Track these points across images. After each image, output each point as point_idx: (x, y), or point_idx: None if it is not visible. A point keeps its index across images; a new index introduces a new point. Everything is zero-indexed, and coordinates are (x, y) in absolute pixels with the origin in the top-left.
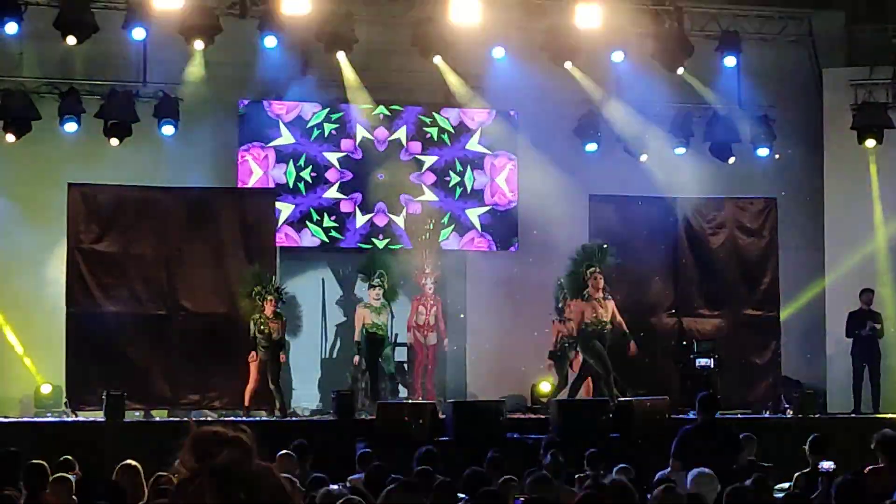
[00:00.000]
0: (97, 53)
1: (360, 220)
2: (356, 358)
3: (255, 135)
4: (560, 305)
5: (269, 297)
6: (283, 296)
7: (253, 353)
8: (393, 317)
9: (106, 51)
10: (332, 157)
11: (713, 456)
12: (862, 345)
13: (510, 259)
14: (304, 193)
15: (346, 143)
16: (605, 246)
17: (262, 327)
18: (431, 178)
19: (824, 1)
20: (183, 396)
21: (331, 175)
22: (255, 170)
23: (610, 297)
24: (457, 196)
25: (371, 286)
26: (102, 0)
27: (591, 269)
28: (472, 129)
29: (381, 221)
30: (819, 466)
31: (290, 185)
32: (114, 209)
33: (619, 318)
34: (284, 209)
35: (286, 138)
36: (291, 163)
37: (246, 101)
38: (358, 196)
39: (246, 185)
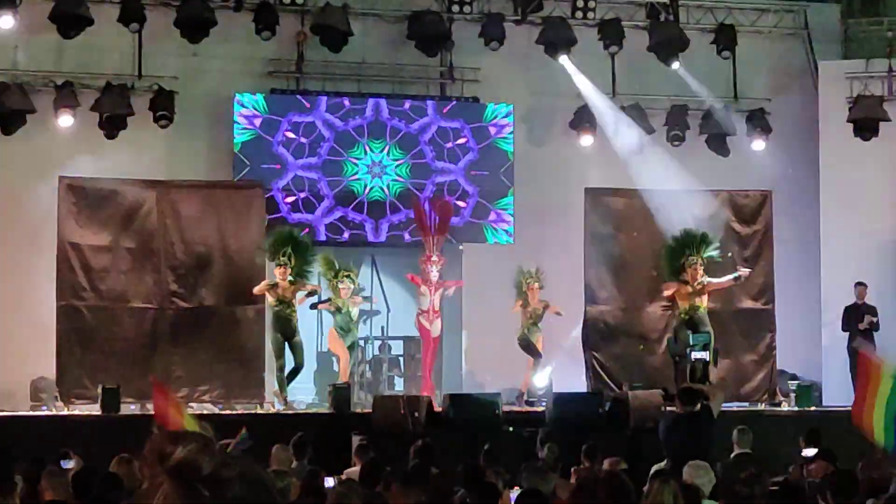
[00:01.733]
0: (92, 47)
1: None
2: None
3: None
4: (524, 290)
5: (341, 286)
6: (355, 280)
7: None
8: (390, 310)
9: (101, 44)
10: (337, 148)
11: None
12: (857, 338)
13: (506, 251)
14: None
15: (341, 136)
16: (706, 235)
17: (340, 310)
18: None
19: None
20: (176, 389)
21: (328, 167)
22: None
23: (703, 285)
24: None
25: (277, 264)
26: None
27: (692, 259)
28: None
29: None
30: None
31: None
32: (106, 202)
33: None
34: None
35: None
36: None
37: (242, 94)
38: (353, 188)
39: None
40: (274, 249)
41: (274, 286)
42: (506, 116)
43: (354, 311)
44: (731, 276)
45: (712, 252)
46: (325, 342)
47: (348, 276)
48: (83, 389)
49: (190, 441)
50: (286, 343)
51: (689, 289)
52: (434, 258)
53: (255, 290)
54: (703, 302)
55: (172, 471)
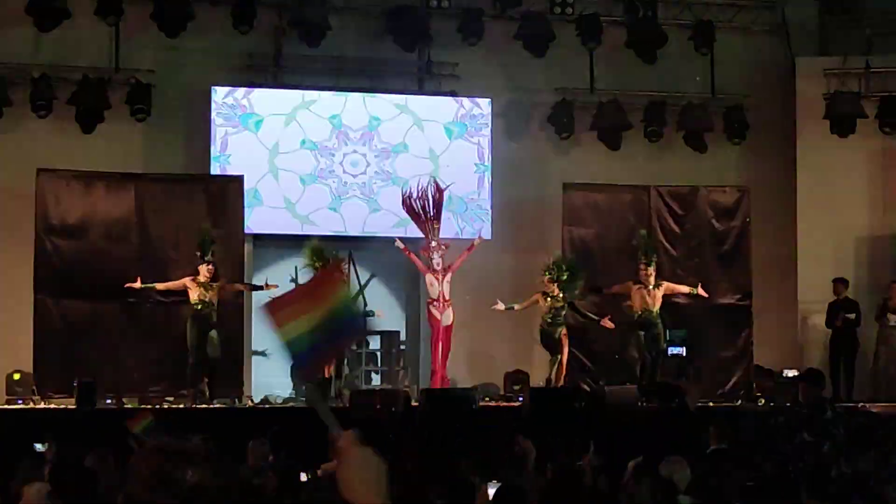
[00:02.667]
0: (69, 40)
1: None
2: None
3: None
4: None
5: None
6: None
7: None
8: (366, 305)
9: (78, 37)
10: (315, 142)
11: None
12: (837, 334)
13: (483, 246)
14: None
15: (320, 130)
16: (646, 235)
17: None
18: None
19: None
20: (153, 384)
21: (308, 162)
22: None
23: (658, 285)
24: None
25: (205, 262)
26: None
27: (645, 261)
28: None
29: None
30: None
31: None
32: (84, 195)
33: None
34: (267, 192)
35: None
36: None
37: (220, 88)
38: (331, 184)
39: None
40: (205, 247)
41: (198, 285)
42: (484, 111)
43: None
44: (687, 289)
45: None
46: None
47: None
48: (60, 384)
49: (197, 463)
50: (203, 336)
51: (644, 290)
52: (434, 244)
53: (169, 285)
54: (657, 304)
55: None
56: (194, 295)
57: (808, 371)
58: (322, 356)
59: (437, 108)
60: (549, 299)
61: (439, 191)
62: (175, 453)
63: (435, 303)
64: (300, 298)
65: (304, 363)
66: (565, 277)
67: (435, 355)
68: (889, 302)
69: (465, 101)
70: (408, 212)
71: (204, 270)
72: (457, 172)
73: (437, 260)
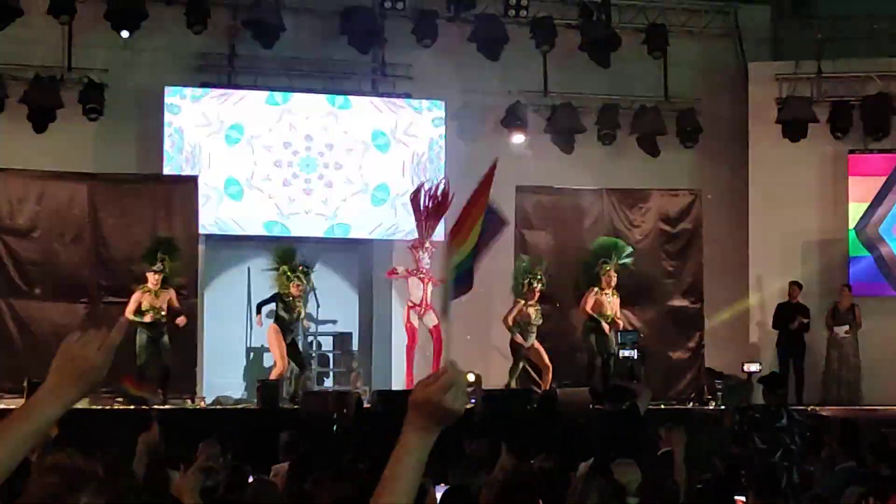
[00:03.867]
0: (21, 38)
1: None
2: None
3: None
4: (523, 290)
5: (296, 282)
6: (310, 279)
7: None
8: (319, 306)
9: (30, 36)
10: (267, 144)
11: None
12: (789, 337)
13: (436, 249)
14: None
15: (279, 132)
16: (618, 242)
17: (287, 306)
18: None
19: None
20: (105, 385)
21: (267, 163)
22: (184, 158)
23: (616, 294)
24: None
25: (153, 271)
26: None
27: (606, 266)
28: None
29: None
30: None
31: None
32: (38, 196)
33: (619, 315)
34: (219, 194)
35: (223, 128)
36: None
37: (173, 88)
38: (286, 185)
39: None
40: (150, 254)
41: (147, 293)
42: (437, 113)
43: (301, 311)
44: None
45: (626, 259)
46: (254, 337)
47: (305, 274)
48: (13, 383)
49: (92, 487)
50: (153, 342)
51: (604, 296)
52: (427, 245)
53: (128, 312)
54: (616, 308)
55: None
56: (145, 303)
57: (770, 375)
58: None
59: (389, 110)
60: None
61: (444, 197)
62: (71, 474)
63: (416, 307)
64: (468, 213)
65: (465, 281)
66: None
67: (410, 357)
68: (839, 306)
69: (418, 102)
70: (413, 204)
71: (151, 278)
72: (412, 173)
73: (426, 260)
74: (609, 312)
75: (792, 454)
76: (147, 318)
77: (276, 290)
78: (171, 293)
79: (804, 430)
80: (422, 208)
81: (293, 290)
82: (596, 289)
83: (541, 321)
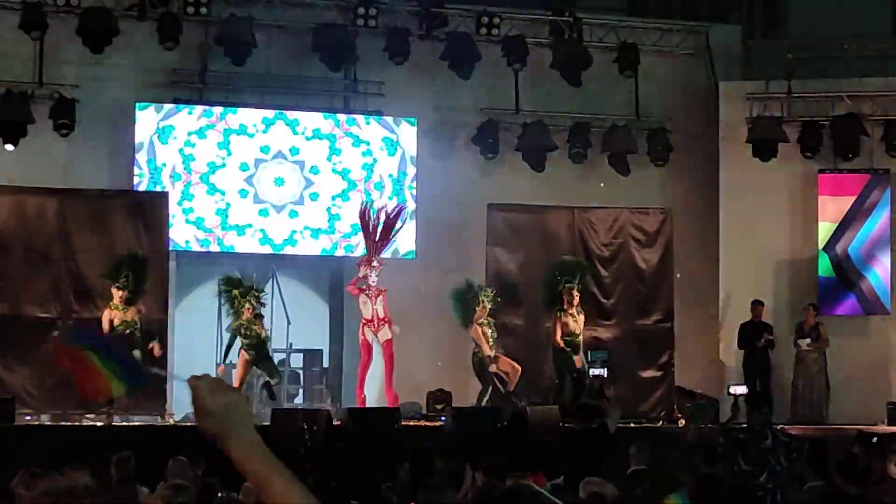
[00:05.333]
0: None
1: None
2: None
3: (158, 140)
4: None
5: (247, 305)
6: (261, 300)
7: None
8: (290, 323)
9: (1, 51)
10: (233, 159)
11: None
12: (755, 356)
13: (406, 266)
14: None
15: (245, 147)
16: (582, 263)
17: (246, 331)
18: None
19: (721, 15)
20: (73, 401)
21: (231, 179)
22: (156, 174)
23: (582, 311)
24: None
25: (117, 287)
26: None
27: (569, 285)
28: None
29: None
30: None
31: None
32: (6, 210)
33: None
34: (191, 210)
35: (193, 144)
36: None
37: (144, 104)
38: (256, 200)
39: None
40: (114, 270)
41: (115, 310)
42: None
43: (261, 333)
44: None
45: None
46: (223, 355)
47: (256, 298)
48: None
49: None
50: None
51: (569, 316)
52: (374, 263)
53: (105, 326)
54: (580, 327)
55: None
56: (117, 319)
57: (754, 392)
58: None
59: (361, 127)
60: (488, 329)
61: (396, 215)
62: (63, 494)
63: (370, 323)
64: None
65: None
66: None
67: (363, 375)
68: (804, 325)
69: (390, 120)
70: (361, 223)
71: (116, 294)
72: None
73: (373, 278)
74: (577, 332)
75: (778, 476)
76: (123, 333)
77: (231, 327)
78: (138, 308)
79: (790, 451)
80: (370, 228)
81: (246, 316)
82: (559, 313)
83: (495, 335)
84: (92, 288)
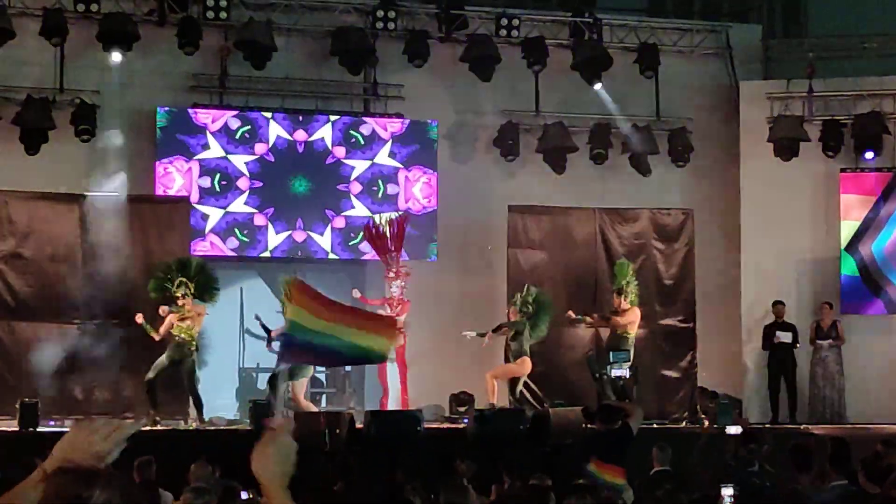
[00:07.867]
0: (13, 60)
1: (277, 236)
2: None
3: (179, 145)
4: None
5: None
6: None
7: None
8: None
9: (22, 57)
10: (245, 163)
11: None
12: (778, 356)
13: (428, 268)
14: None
15: (265, 151)
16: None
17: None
18: (358, 187)
19: (741, 14)
20: (97, 406)
21: (243, 184)
22: (178, 180)
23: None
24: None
25: (179, 295)
26: (19, 6)
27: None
28: (385, 139)
29: (299, 237)
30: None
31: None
32: (29, 217)
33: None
34: (213, 216)
35: (214, 150)
36: (217, 173)
37: (165, 109)
38: (270, 210)
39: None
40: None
41: (176, 314)
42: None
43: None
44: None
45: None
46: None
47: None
48: (4, 405)
49: (103, 482)
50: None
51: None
52: (391, 274)
53: (162, 332)
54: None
55: None
56: (175, 326)
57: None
58: (304, 357)
59: (381, 130)
60: (512, 329)
61: (401, 226)
62: (83, 474)
63: None
64: (331, 307)
65: (291, 348)
66: (530, 310)
67: (382, 379)
68: (821, 323)
69: (410, 122)
70: (369, 241)
71: (180, 301)
72: (397, 192)
73: (394, 289)
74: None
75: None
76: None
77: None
78: (201, 309)
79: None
80: (378, 244)
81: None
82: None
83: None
84: (113, 294)
